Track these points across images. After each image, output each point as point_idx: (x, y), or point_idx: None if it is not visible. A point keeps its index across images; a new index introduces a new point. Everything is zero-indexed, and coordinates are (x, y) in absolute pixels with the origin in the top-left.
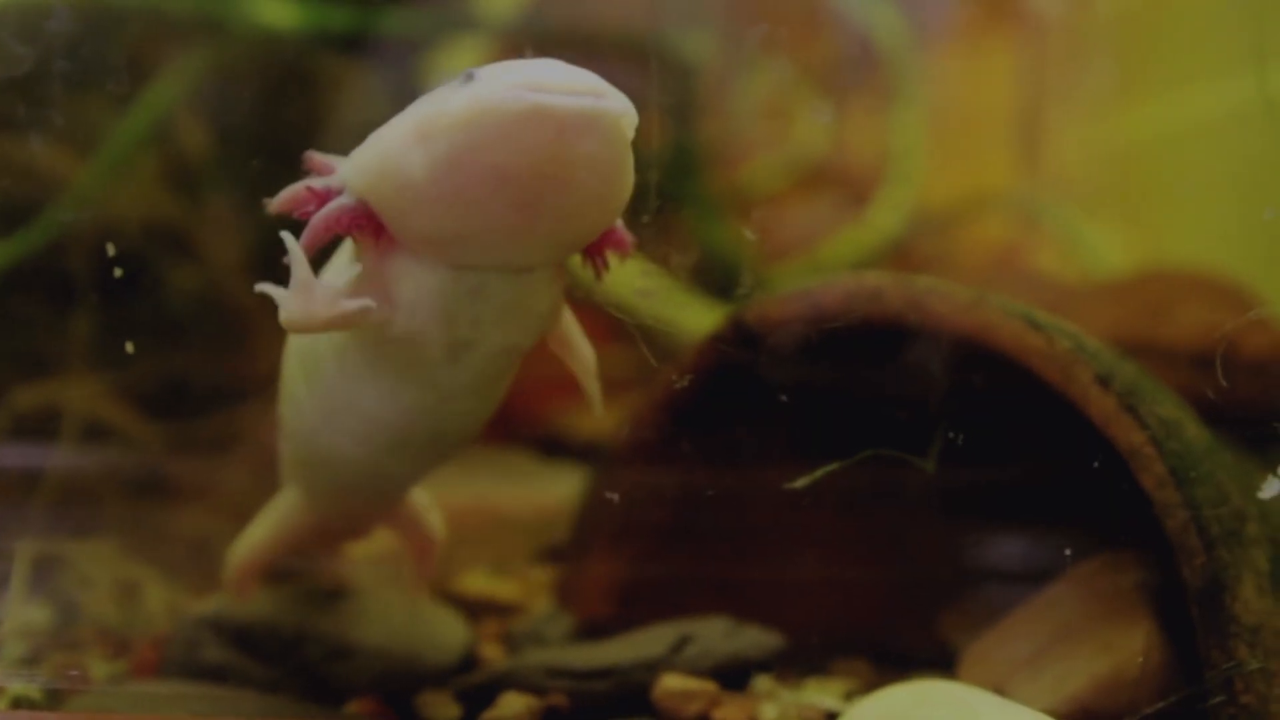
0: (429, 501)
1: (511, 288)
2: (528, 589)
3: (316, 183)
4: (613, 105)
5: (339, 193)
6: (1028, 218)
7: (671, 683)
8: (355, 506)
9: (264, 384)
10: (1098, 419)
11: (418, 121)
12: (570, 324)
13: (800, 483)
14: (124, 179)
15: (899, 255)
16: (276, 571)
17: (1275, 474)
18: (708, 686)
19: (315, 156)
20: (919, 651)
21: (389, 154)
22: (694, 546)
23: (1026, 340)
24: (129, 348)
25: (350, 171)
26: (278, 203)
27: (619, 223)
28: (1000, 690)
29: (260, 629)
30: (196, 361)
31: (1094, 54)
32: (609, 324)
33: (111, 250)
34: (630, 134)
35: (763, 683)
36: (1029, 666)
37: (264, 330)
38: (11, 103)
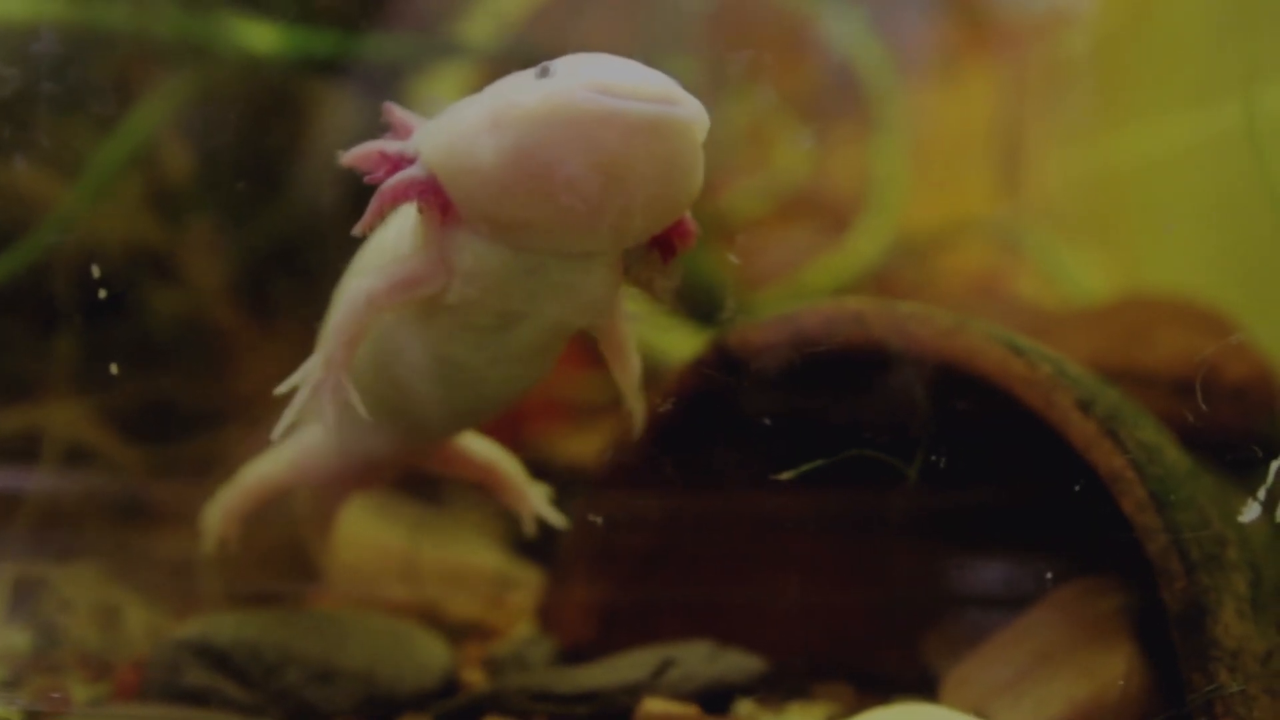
0: (469, 437)
1: (569, 270)
2: (510, 613)
3: (389, 147)
4: (683, 112)
5: (410, 160)
6: (1008, 244)
7: (654, 707)
8: (384, 450)
9: (246, 407)
10: (1079, 443)
11: (491, 108)
12: (627, 331)
13: (787, 475)
14: (108, 202)
15: (880, 281)
16: (259, 595)
17: (1255, 498)
18: (690, 710)
19: (395, 111)
20: (901, 675)
21: (461, 136)
22: (676, 570)
23: (1008, 365)
24: (112, 371)
25: (423, 143)
26: (350, 157)
27: (687, 214)
28: (981, 714)
29: (242, 652)
30: (179, 385)
31: (1074, 81)
32: (593, 347)
33: (95, 273)
34: (702, 137)
35: (745, 706)
36: (1010, 690)
37: (246, 354)
38: None
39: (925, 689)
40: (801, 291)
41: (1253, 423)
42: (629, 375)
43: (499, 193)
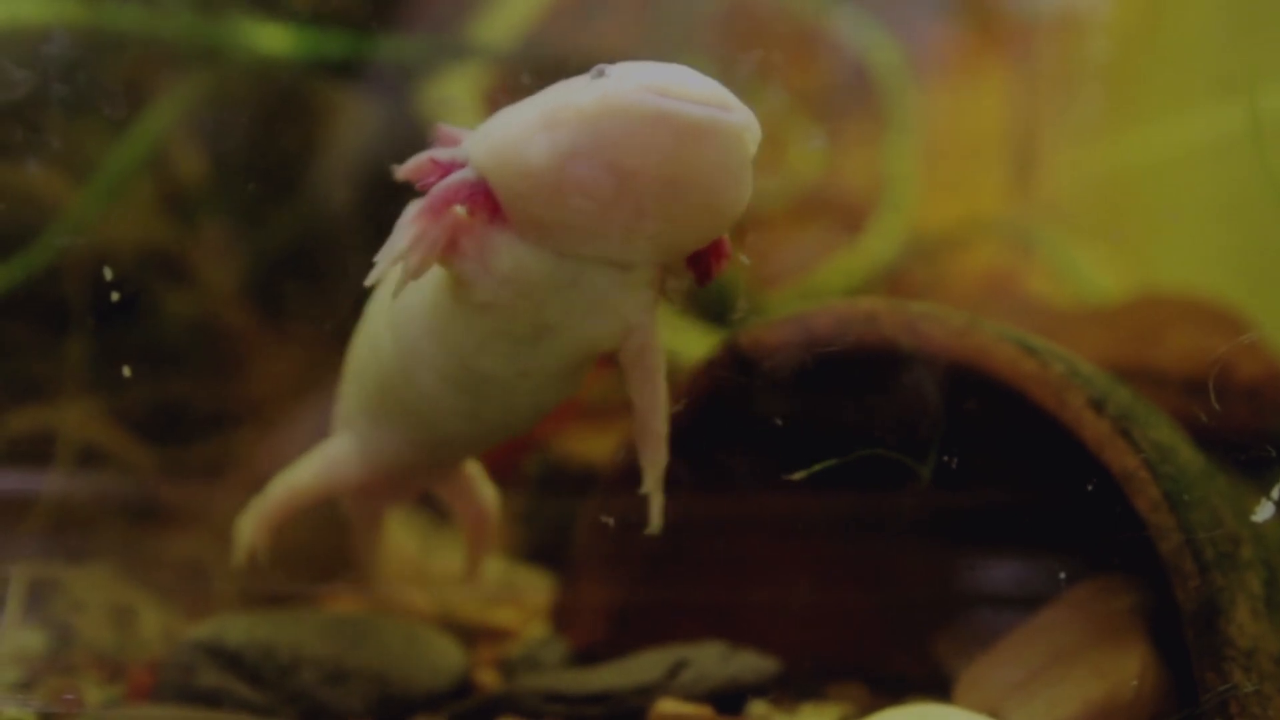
0: (481, 475)
1: (607, 282)
2: (523, 614)
3: (441, 154)
4: (736, 118)
5: (462, 165)
6: (1020, 244)
7: (667, 707)
8: (410, 463)
9: (258, 409)
10: (1091, 443)
11: (545, 109)
12: (658, 361)
13: (799, 475)
14: (120, 204)
15: (893, 281)
16: (273, 596)
17: (1269, 497)
18: (703, 711)
19: (442, 127)
20: (914, 676)
21: (513, 137)
22: (689, 571)
23: (1020, 365)
24: (124, 372)
25: (475, 146)
26: (404, 170)
27: (724, 233)
28: (995, 714)
29: (255, 653)
30: (191, 386)
31: (1085, 81)
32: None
33: (108, 275)
34: (753, 148)
35: (758, 707)
36: (1023, 690)
37: (259, 355)
38: (8, 127)
39: (938, 689)
40: (814, 291)
41: (1266, 422)
42: (652, 412)
43: (549, 192)
